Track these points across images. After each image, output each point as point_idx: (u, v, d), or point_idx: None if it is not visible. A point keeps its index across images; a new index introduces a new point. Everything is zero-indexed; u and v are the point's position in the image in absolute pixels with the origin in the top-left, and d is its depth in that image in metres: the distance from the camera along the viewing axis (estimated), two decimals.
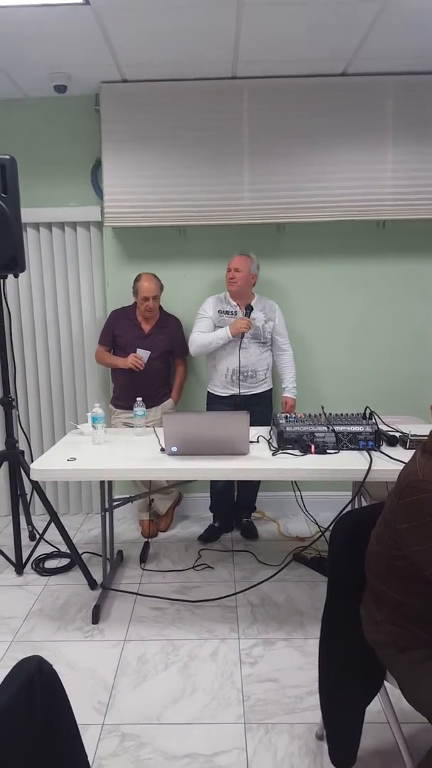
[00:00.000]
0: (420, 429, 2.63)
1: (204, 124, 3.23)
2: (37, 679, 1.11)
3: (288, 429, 2.57)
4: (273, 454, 2.52)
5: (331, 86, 3.18)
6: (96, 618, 2.58)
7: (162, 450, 2.57)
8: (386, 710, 1.67)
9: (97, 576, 2.87)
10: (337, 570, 1.71)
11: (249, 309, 3.11)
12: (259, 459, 2.47)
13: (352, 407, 2.81)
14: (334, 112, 3.22)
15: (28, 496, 3.17)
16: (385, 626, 1.55)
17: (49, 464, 2.47)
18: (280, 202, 3.30)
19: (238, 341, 3.10)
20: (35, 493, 2.97)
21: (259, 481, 3.36)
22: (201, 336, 3.15)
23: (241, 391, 3.19)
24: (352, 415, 2.71)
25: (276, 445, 2.58)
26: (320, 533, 2.73)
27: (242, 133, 3.25)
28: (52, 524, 2.96)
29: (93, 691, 2.13)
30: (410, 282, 3.52)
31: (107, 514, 2.80)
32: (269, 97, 3.20)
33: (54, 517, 2.93)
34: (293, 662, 2.29)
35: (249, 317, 3.09)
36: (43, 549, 3.18)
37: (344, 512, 1.79)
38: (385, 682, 1.65)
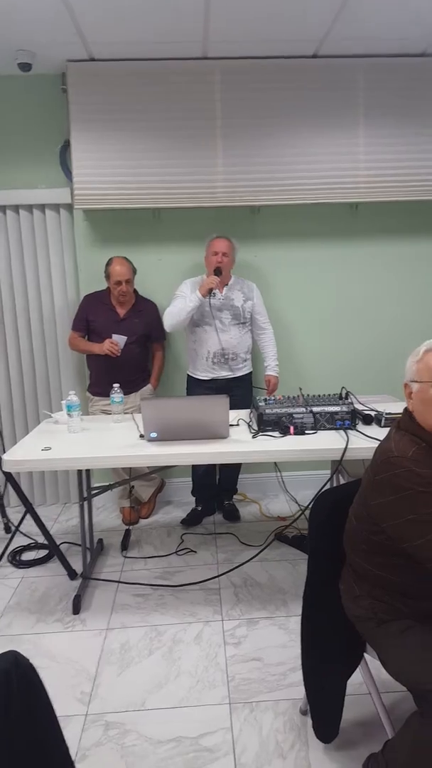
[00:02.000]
0: (395, 407, 2.64)
1: (176, 105, 3.17)
2: (14, 674, 1.08)
3: (267, 411, 2.57)
4: (253, 437, 2.51)
5: (303, 68, 3.15)
6: (77, 608, 2.55)
7: (141, 436, 2.54)
8: (367, 681, 1.70)
9: (77, 566, 2.84)
10: (317, 548, 1.72)
11: (218, 272, 3.04)
12: (240, 442, 2.46)
13: (330, 387, 2.81)
14: (306, 95, 3.18)
15: (2, 488, 3.11)
16: (364, 600, 1.56)
17: (22, 454, 2.41)
18: (254, 185, 3.27)
19: (212, 319, 3.06)
20: (8, 485, 2.91)
21: (240, 464, 3.36)
22: (171, 308, 3.09)
23: (224, 374, 3.17)
24: (329, 395, 2.72)
25: (256, 428, 2.58)
26: (300, 512, 2.74)
27: (215, 114, 3.20)
28: (28, 516, 2.91)
29: (75, 682, 2.11)
30: (383, 263, 3.54)
31: (85, 503, 2.76)
32: (241, 79, 3.15)
33: (30, 509, 2.87)
34: (276, 640, 2.31)
35: (218, 276, 3.03)
36: (19, 541, 3.14)
37: (323, 491, 1.79)
38: (365, 655, 1.67)
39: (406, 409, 1.54)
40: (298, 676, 2.05)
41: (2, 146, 3.28)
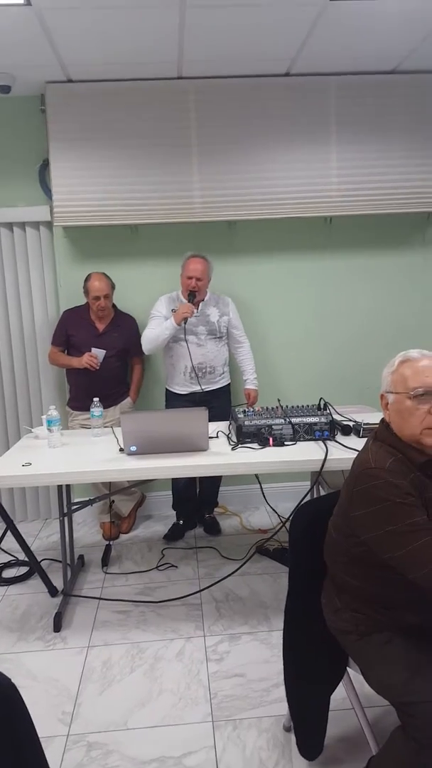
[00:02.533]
0: (372, 417, 2.68)
1: (152, 124, 3.21)
2: None
3: (246, 423, 2.58)
4: (232, 449, 2.53)
5: (276, 86, 3.21)
6: (58, 626, 2.51)
7: (121, 450, 2.54)
8: (350, 696, 1.69)
9: (58, 583, 2.80)
10: (297, 560, 1.73)
11: (192, 296, 3.06)
12: (219, 454, 2.47)
13: (307, 398, 2.84)
14: (279, 112, 3.25)
15: None
16: (345, 613, 1.57)
17: (2, 470, 2.39)
18: (230, 200, 3.31)
19: (187, 335, 3.07)
20: None
21: (220, 476, 3.36)
22: (148, 332, 3.12)
23: (202, 387, 3.18)
24: (308, 406, 2.74)
25: (235, 440, 2.59)
26: (281, 525, 2.75)
27: (190, 132, 3.24)
28: (8, 532, 2.87)
29: (57, 702, 2.08)
30: (358, 275, 3.60)
31: (66, 518, 2.74)
32: (215, 98, 3.20)
33: (10, 525, 2.84)
34: (259, 656, 2.30)
35: (191, 303, 3.05)
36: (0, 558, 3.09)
37: (302, 503, 1.81)
38: (348, 669, 1.68)
39: (383, 420, 1.56)
40: (281, 691, 2.05)
41: None
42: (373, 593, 1.52)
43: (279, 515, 3.39)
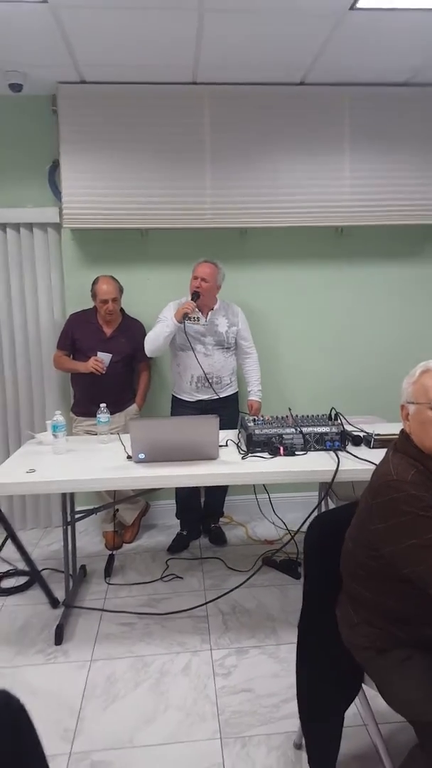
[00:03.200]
0: (383, 428, 2.64)
1: (165, 129, 3.19)
2: (5, 716, 1.00)
3: (257, 432, 2.54)
4: (243, 458, 2.48)
5: (290, 95, 3.21)
6: (59, 639, 2.44)
7: (129, 457, 2.49)
8: (364, 713, 1.64)
9: (59, 594, 2.74)
10: (312, 573, 1.67)
11: (195, 296, 3.01)
12: (229, 463, 2.42)
13: (317, 409, 2.80)
14: (293, 121, 3.24)
15: None
16: (362, 628, 1.52)
17: (6, 477, 2.33)
18: (241, 207, 3.29)
19: (194, 345, 3.04)
20: None
21: (227, 486, 3.31)
22: (150, 333, 3.08)
23: (207, 397, 3.14)
24: (318, 416, 2.70)
25: (245, 449, 2.54)
26: (291, 536, 2.70)
27: (204, 138, 3.23)
28: (8, 541, 2.81)
29: (58, 718, 2.01)
30: (368, 285, 3.57)
31: (69, 527, 2.68)
32: (230, 104, 3.19)
33: (11, 534, 2.77)
34: (267, 670, 2.24)
35: (195, 301, 3.00)
36: None
37: (317, 514, 1.76)
38: (363, 685, 1.62)
39: (402, 431, 1.52)
40: (291, 707, 1.99)
41: None
42: (391, 608, 1.47)
43: (286, 526, 3.33)
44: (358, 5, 2.30)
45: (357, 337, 3.61)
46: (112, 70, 2.97)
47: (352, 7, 2.32)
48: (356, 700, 1.64)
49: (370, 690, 1.57)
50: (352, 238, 3.50)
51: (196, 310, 3.02)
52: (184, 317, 2.96)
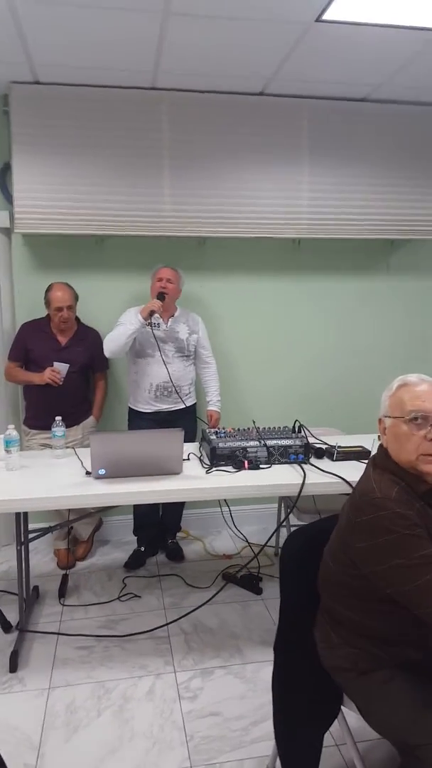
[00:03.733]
0: (344, 440, 2.66)
1: (123, 133, 3.10)
2: None
3: (220, 445, 2.49)
4: (207, 472, 2.43)
5: (250, 104, 3.20)
6: (14, 666, 2.30)
7: (88, 473, 2.38)
8: (345, 734, 1.61)
9: (11, 617, 2.58)
10: (288, 591, 1.64)
11: (161, 297, 2.95)
12: (194, 478, 2.36)
13: (274, 420, 2.79)
14: (253, 131, 3.23)
15: None
16: (342, 649, 1.49)
17: None
18: (201, 216, 3.24)
19: (153, 351, 2.98)
20: None
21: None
22: (111, 333, 2.97)
23: (166, 407, 3.07)
24: (281, 428, 2.69)
25: (209, 462, 2.49)
26: (254, 552, 2.66)
27: (162, 144, 3.16)
28: None
29: (17, 752, 1.88)
30: (325, 297, 3.61)
31: (23, 547, 2.53)
32: (189, 111, 3.15)
33: None
34: (234, 691, 2.18)
35: (161, 301, 2.94)
36: None
37: (294, 530, 1.72)
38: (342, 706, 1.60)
39: (381, 446, 1.52)
40: (261, 730, 1.96)
41: None
42: (373, 628, 1.45)
43: (247, 540, 3.30)
44: (325, 17, 2.31)
45: (314, 348, 3.64)
46: (69, 71, 2.87)
47: (318, 19, 2.33)
48: (336, 721, 1.62)
49: (345, 707, 1.54)
50: (308, 251, 3.53)
51: (160, 311, 2.94)
52: (150, 314, 2.88)
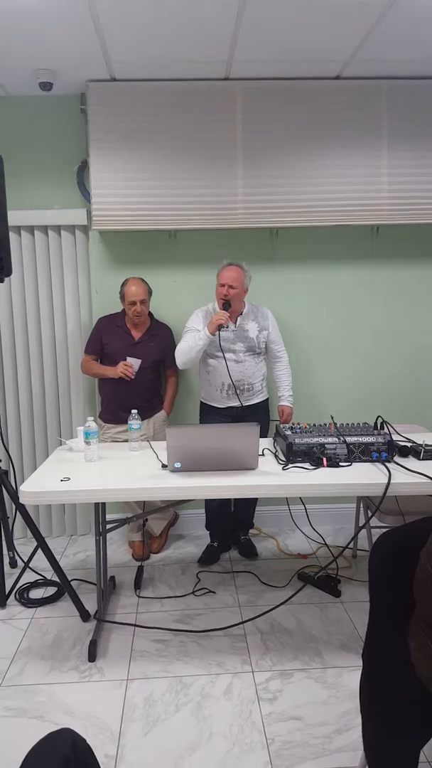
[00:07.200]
0: (430, 438, 2.51)
1: (196, 126, 3.09)
2: (72, 761, 0.89)
3: (297, 441, 2.41)
4: (283, 468, 2.36)
5: (326, 89, 3.10)
6: (93, 655, 2.33)
7: (164, 466, 2.37)
8: None
9: (89, 606, 2.63)
10: (379, 596, 1.54)
11: (226, 305, 2.89)
12: (270, 474, 2.30)
13: (350, 416, 2.68)
14: (328, 116, 3.13)
15: (9, 520, 2.90)
16: None
17: (41, 486, 2.23)
18: (274, 207, 3.18)
19: (225, 353, 2.92)
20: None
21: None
22: (182, 345, 2.94)
23: (237, 403, 3.02)
24: (361, 424, 2.58)
25: (284, 458, 2.42)
26: (334, 554, 2.57)
27: (236, 135, 3.12)
28: (38, 550, 2.70)
29: (98, 743, 1.89)
30: (404, 287, 3.44)
31: (101, 538, 2.57)
32: (263, 100, 3.09)
33: (42, 543, 2.67)
34: (315, 696, 2.10)
35: (226, 310, 2.87)
36: (26, 577, 2.90)
37: (386, 531, 1.62)
38: None
39: None
40: (346, 739, 1.87)
41: (18, 166, 3.14)
42: None
43: (324, 540, 3.20)
44: None
45: (392, 341, 3.48)
46: (143, 67, 2.89)
47: None
48: None
49: None
50: (387, 238, 3.37)
51: (227, 323, 2.88)
52: (218, 329, 2.84)
